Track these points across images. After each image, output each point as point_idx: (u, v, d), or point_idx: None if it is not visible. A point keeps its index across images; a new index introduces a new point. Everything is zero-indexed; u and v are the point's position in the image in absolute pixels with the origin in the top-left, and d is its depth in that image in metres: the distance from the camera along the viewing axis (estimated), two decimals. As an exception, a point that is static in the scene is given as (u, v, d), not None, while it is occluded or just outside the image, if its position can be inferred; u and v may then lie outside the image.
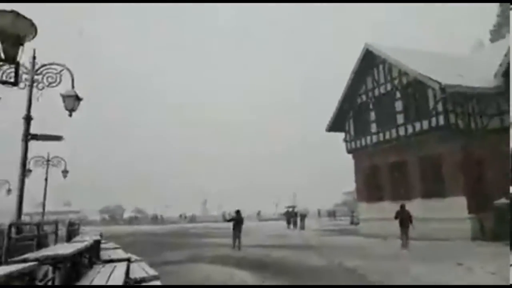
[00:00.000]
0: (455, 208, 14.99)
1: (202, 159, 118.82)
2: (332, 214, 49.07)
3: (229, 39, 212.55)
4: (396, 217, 13.50)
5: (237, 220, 14.79)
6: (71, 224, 9.19)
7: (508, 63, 15.04)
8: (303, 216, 29.09)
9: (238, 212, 15.10)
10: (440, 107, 15.99)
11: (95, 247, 6.43)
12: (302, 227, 27.57)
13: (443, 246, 12.96)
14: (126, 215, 70.58)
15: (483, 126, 16.18)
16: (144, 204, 78.30)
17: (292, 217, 30.69)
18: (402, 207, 13.66)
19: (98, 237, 7.62)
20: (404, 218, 13.32)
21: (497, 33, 35.90)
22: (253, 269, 9.01)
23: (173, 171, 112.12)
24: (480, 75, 16.41)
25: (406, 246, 12.86)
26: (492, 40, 34.13)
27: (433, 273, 7.97)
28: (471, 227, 14.31)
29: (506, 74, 15.19)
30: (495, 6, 37.54)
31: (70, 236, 8.37)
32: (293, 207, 37.61)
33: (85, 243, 5.62)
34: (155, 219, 57.77)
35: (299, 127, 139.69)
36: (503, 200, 12.98)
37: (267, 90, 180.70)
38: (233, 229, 14.67)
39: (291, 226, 29.39)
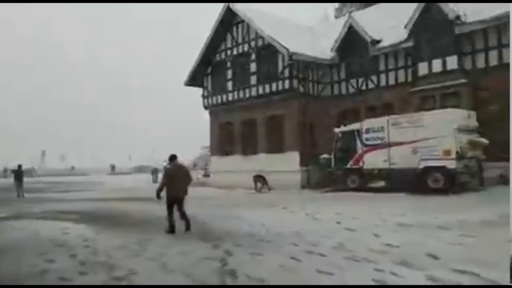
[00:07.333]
0: (291, 162, 17.36)
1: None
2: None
3: None
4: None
5: (18, 173, 18.20)
6: None
7: (341, 40, 17.59)
8: (154, 171, 29.92)
9: (19, 166, 18.62)
10: (286, 72, 17.73)
11: None
12: (154, 181, 27.92)
13: (278, 193, 15.07)
14: None
15: (318, 92, 18.76)
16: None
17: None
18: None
19: None
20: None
21: (340, 11, 41.22)
22: (90, 223, 8.80)
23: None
24: (321, 46, 18.74)
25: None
26: (336, 17, 38.91)
27: (259, 215, 9.20)
28: (301, 178, 16.91)
29: (339, 49, 17.76)
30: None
31: None
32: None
33: None
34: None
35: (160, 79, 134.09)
36: (325, 156, 15.65)
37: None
38: (15, 180, 17.90)
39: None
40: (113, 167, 61.95)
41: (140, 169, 59.93)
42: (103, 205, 13.15)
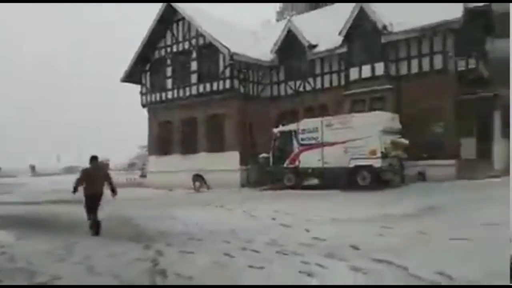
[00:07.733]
0: (231, 161, 17.47)
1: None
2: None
3: None
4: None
5: None
6: None
7: (280, 43, 18.09)
8: None
9: None
10: (227, 72, 17.81)
11: None
12: None
13: (218, 192, 15.09)
14: None
15: (258, 93, 19.11)
16: None
17: None
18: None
19: None
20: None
21: (281, 15, 42.33)
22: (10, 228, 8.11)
23: None
24: (262, 48, 19.07)
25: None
26: (278, 20, 39.86)
27: (194, 214, 9.18)
28: (241, 176, 17.11)
29: (278, 51, 18.24)
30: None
31: None
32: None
33: None
34: None
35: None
36: (264, 155, 15.99)
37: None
38: None
39: None
40: (33, 168, 57.09)
41: (69, 170, 56.09)
42: (26, 209, 12.14)
